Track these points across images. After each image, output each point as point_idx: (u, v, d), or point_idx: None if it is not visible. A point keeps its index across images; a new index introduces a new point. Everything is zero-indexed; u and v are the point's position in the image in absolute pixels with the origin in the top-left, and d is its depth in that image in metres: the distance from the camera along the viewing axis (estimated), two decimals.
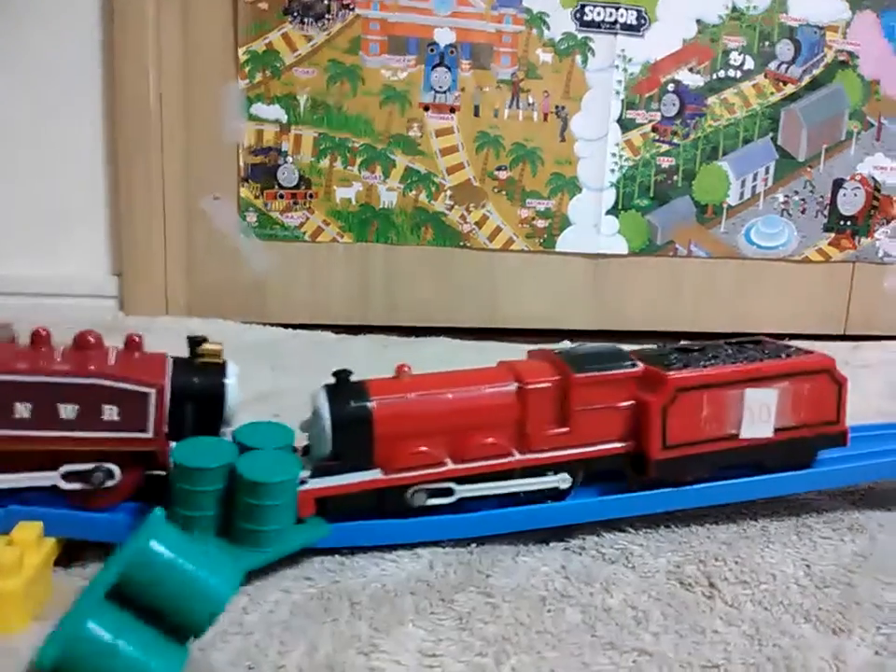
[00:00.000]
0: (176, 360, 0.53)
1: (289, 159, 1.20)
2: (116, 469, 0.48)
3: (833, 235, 1.30)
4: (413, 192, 1.23)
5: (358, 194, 1.22)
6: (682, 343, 0.62)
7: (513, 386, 0.52)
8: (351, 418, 0.50)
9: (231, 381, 0.52)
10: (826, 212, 1.29)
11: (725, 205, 1.27)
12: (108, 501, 0.49)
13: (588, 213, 1.26)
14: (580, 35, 1.19)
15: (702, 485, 0.54)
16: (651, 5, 1.19)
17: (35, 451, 0.48)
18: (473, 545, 0.52)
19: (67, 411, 0.48)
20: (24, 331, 0.51)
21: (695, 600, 0.46)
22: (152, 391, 0.49)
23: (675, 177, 1.26)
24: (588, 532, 0.54)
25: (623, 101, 1.22)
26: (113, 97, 1.14)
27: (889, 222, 1.30)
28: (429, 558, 0.50)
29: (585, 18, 1.19)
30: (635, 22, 1.19)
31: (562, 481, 0.52)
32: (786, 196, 1.28)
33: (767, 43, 1.23)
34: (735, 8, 1.21)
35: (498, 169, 1.24)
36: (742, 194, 1.28)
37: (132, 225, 1.17)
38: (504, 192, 1.24)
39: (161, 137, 1.15)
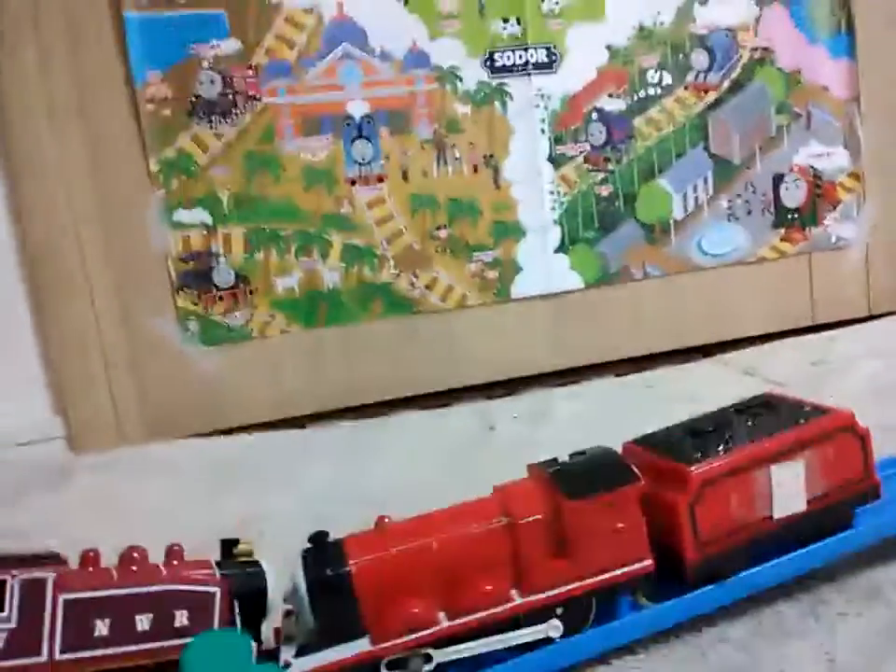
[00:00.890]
0: (218, 563, 0.52)
1: (221, 259, 1.16)
2: None
3: (783, 231, 1.28)
4: (356, 268, 1.19)
5: (300, 281, 1.18)
6: (691, 421, 0.58)
7: (503, 522, 0.48)
8: (329, 586, 0.46)
9: (270, 577, 0.51)
10: (772, 209, 1.28)
11: (671, 221, 1.26)
12: None
13: (536, 255, 1.23)
14: (494, 83, 1.17)
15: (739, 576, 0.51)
16: (558, 40, 1.17)
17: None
18: None
19: (143, 622, 0.47)
20: None
21: None
22: (217, 590, 0.49)
23: (616, 203, 1.24)
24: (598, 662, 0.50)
25: (549, 138, 1.20)
26: (24, 237, 1.09)
27: (835, 207, 1.29)
28: None
29: (496, 64, 1.16)
30: (546, 60, 1.17)
31: (553, 628, 0.48)
32: (729, 201, 1.26)
33: (681, 55, 1.21)
34: (642, 28, 1.19)
35: (438, 228, 1.20)
36: (686, 207, 1.26)
37: (68, 361, 1.11)
38: (448, 251, 1.21)
39: (85, 266, 1.10)
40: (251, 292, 1.17)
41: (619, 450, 0.55)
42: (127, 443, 1.13)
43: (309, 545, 0.49)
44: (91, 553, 0.50)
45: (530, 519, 0.48)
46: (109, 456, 1.08)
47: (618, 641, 0.49)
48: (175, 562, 0.51)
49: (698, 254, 1.27)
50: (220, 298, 1.17)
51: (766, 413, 0.56)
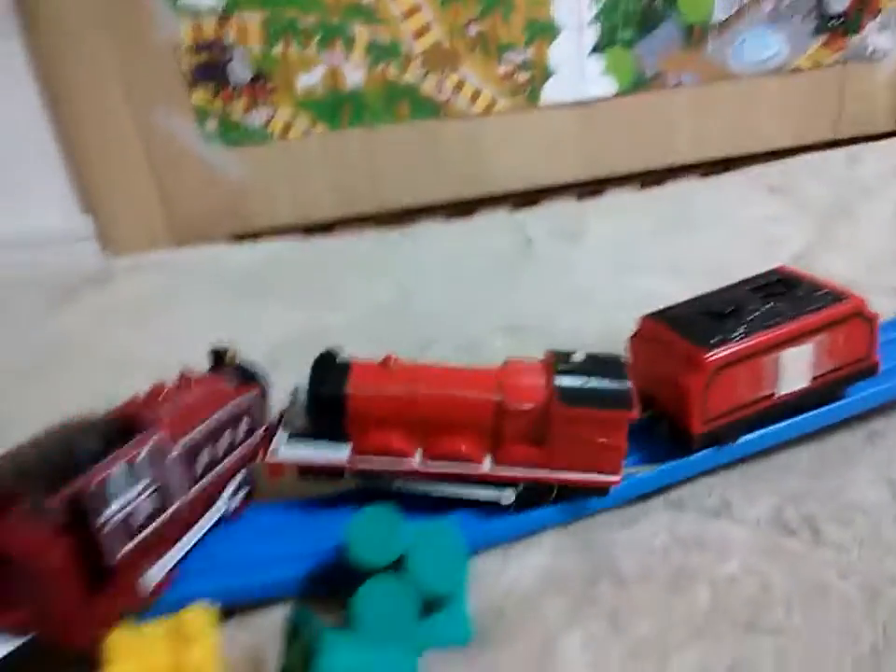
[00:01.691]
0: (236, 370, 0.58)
1: (237, 51, 1.07)
2: None
3: (823, 37, 1.23)
4: (381, 66, 1.12)
5: (323, 79, 1.11)
6: (709, 300, 0.58)
7: (495, 399, 0.51)
8: (326, 402, 0.51)
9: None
10: (815, 14, 1.21)
11: (712, 22, 1.19)
12: None
13: (570, 57, 1.17)
14: None
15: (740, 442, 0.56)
16: None
17: None
18: (586, 517, 0.55)
19: (225, 440, 0.53)
20: None
21: (804, 552, 0.50)
22: (256, 392, 0.56)
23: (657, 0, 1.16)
24: (681, 482, 0.57)
25: None
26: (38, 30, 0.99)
27: (876, 15, 1.23)
28: (551, 544, 0.53)
29: None
30: None
31: (505, 497, 0.52)
32: (772, 4, 1.19)
33: None
34: None
35: (468, 24, 1.12)
36: (728, 7, 1.18)
37: (90, 161, 1.06)
38: (478, 49, 1.14)
39: (97, 64, 1.01)
40: (271, 90, 1.11)
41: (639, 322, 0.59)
42: (154, 248, 1.12)
43: (319, 359, 0.53)
44: (163, 387, 0.53)
45: (520, 406, 0.50)
46: (142, 261, 1.07)
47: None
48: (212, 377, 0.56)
49: (735, 60, 1.22)
50: (239, 94, 1.10)
51: (782, 293, 0.58)
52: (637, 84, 1.20)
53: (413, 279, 0.98)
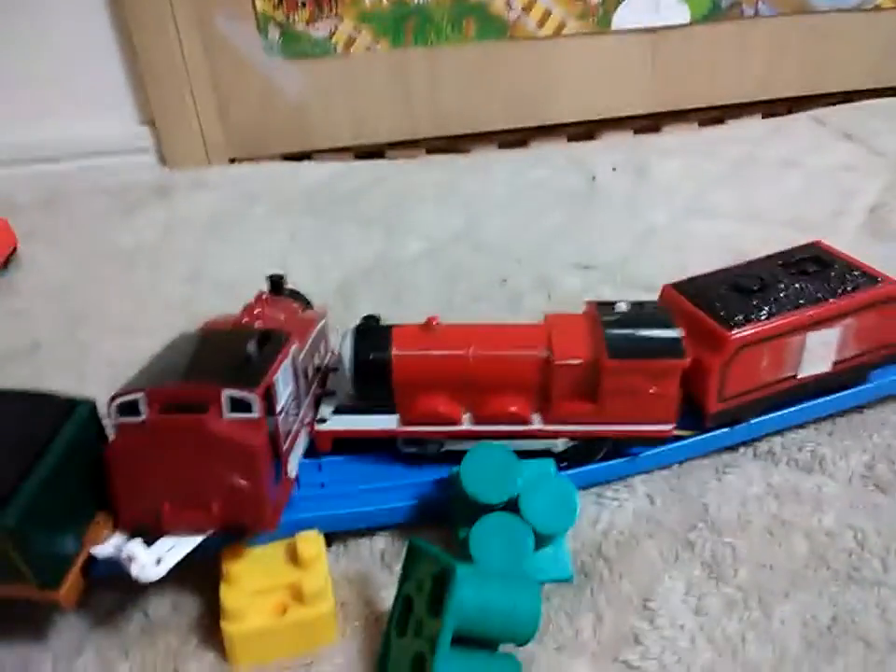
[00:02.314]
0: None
1: None
2: None
3: None
4: None
5: None
6: (737, 274, 0.56)
7: (542, 355, 0.50)
8: (371, 368, 0.50)
9: None
10: None
11: None
12: None
13: None
14: None
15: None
16: None
17: None
18: (675, 466, 0.56)
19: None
20: None
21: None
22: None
23: None
24: (772, 435, 0.57)
25: None
26: None
27: None
28: (643, 490, 0.54)
29: None
30: None
31: (557, 446, 0.52)
32: None
33: None
34: None
35: None
36: None
37: (152, 69, 1.03)
38: None
39: None
40: (336, 0, 1.06)
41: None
42: (210, 162, 1.10)
43: (360, 324, 0.52)
44: (254, 305, 0.53)
45: (568, 362, 0.49)
46: (202, 177, 1.06)
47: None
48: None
49: None
50: (303, 3, 1.06)
51: (814, 271, 0.55)
52: (713, 13, 1.15)
53: (481, 211, 0.97)
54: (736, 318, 0.51)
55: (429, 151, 1.20)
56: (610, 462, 0.53)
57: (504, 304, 0.77)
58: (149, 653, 0.44)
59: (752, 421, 0.55)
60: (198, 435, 0.39)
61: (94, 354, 0.71)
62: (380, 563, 0.50)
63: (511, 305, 0.77)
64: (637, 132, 1.24)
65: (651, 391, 0.49)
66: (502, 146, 1.22)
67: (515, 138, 1.22)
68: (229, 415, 0.40)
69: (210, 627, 0.46)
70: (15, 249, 0.87)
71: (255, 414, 0.40)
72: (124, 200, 0.99)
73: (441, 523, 0.51)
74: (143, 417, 0.39)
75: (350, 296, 0.80)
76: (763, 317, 0.51)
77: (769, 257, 0.58)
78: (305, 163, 1.10)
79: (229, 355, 0.44)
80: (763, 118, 1.26)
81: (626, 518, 0.52)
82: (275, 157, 1.12)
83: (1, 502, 0.36)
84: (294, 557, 0.46)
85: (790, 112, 1.25)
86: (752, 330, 0.50)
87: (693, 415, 0.53)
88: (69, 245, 0.92)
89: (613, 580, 0.48)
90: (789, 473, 0.55)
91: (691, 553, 0.49)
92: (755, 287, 0.53)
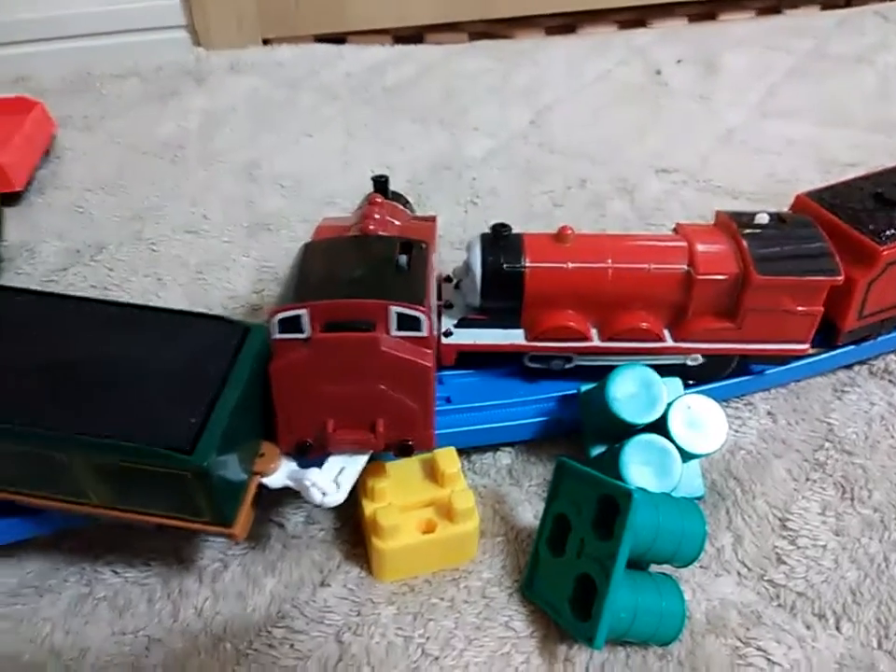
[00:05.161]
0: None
1: None
2: None
3: None
4: None
5: None
6: (875, 183, 0.53)
7: (684, 270, 0.47)
8: (503, 278, 0.47)
9: None
10: None
11: None
12: None
13: None
14: None
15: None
16: None
17: None
18: (792, 383, 0.55)
19: None
20: None
21: None
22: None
23: None
24: (886, 353, 0.57)
25: None
26: None
27: None
28: (764, 408, 0.53)
29: None
30: None
31: (691, 359, 0.50)
32: None
33: None
34: None
35: None
36: None
37: None
38: None
39: None
40: None
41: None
42: (243, 43, 1.01)
43: (489, 233, 0.49)
44: (373, 209, 0.49)
45: (711, 277, 0.47)
46: (240, 59, 0.98)
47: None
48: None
49: None
50: None
51: None
52: None
53: (542, 105, 0.91)
54: (887, 232, 0.49)
55: (472, 37, 1.12)
56: (736, 379, 0.52)
57: (586, 209, 0.74)
58: (295, 569, 0.44)
59: (878, 339, 0.54)
60: (369, 353, 0.37)
61: (165, 256, 0.67)
62: (508, 479, 0.50)
63: (595, 210, 0.74)
64: (691, 19, 1.17)
65: (796, 309, 0.48)
66: (549, 32, 1.14)
67: (561, 23, 1.14)
68: (395, 333, 0.38)
69: (350, 541, 0.45)
70: (54, 136, 0.81)
71: (423, 333, 0.38)
72: (158, 84, 0.92)
73: (565, 439, 0.50)
74: (306, 334, 0.37)
75: (423, 197, 0.76)
76: None
77: None
78: (347, 46, 1.02)
79: (378, 267, 0.41)
80: (821, 9, 1.19)
81: (751, 437, 0.52)
82: (308, 39, 1.04)
83: (191, 440, 0.34)
84: (432, 474, 0.46)
85: (848, 4, 1.18)
86: None
87: (820, 332, 0.51)
88: (108, 135, 0.85)
89: (747, 499, 0.48)
90: None
91: (822, 474, 0.49)
92: None
